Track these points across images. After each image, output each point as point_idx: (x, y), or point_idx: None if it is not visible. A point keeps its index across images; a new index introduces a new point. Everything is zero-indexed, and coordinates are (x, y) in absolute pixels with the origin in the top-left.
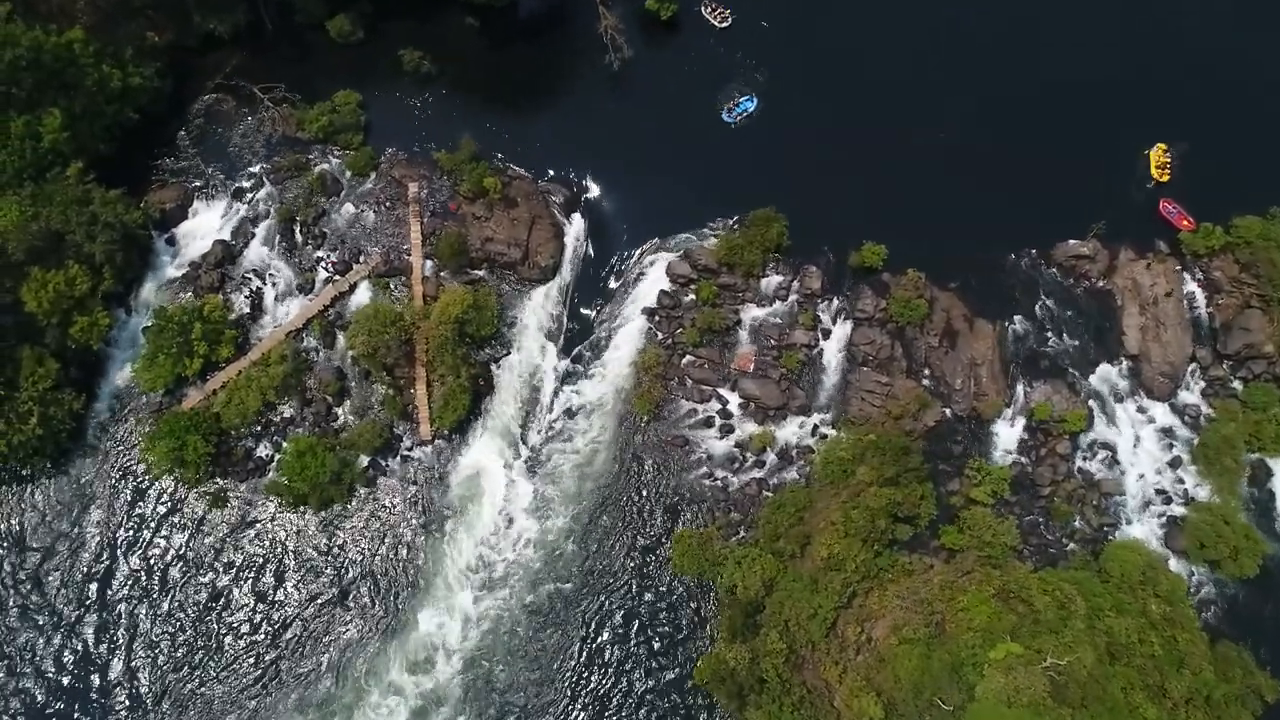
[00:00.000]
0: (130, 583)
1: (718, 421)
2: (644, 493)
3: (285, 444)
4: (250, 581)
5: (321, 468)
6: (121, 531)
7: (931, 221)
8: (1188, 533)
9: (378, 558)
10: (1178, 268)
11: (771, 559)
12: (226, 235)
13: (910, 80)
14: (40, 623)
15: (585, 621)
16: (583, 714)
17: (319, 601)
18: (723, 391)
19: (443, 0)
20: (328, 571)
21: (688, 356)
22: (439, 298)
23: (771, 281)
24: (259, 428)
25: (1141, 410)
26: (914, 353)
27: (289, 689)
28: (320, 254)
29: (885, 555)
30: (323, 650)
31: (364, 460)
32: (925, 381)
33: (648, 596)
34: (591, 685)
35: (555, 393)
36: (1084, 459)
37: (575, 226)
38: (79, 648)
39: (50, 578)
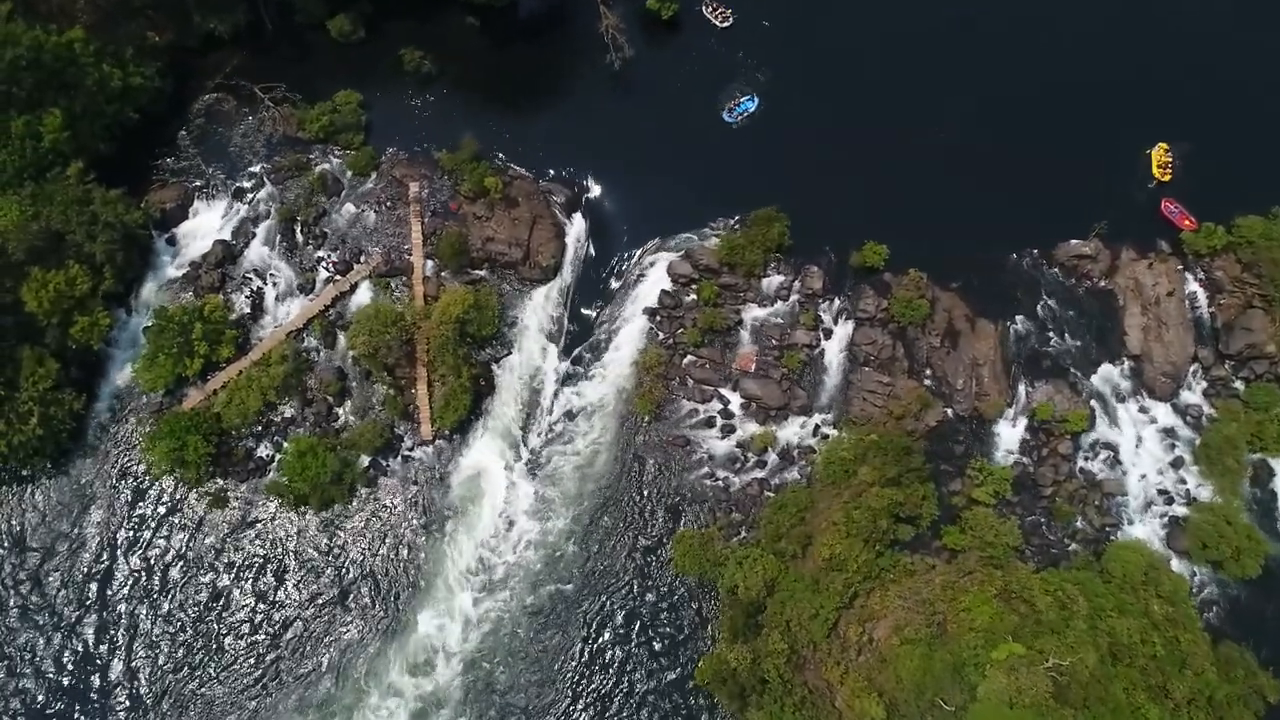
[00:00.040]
0: (131, 583)
1: (719, 422)
2: (645, 493)
3: (286, 444)
4: (250, 582)
5: (322, 468)
6: (122, 532)
7: (933, 221)
8: (1190, 533)
9: (378, 558)
10: (1180, 267)
11: (773, 559)
12: (227, 235)
13: (912, 80)
14: (40, 623)
15: (586, 622)
16: (584, 715)
17: (319, 602)
18: (724, 391)
19: (443, 0)
20: (328, 572)
21: (689, 356)
22: (440, 298)
23: (773, 281)
24: (260, 428)
25: (1143, 410)
26: (916, 353)
27: (289, 689)
28: (321, 254)
29: (887, 555)
30: (323, 651)
31: (365, 460)
32: (927, 381)
33: (649, 597)
34: (593, 686)
35: (556, 393)
36: (1086, 459)
37: (576, 226)
38: (79, 648)
39: (50, 578)
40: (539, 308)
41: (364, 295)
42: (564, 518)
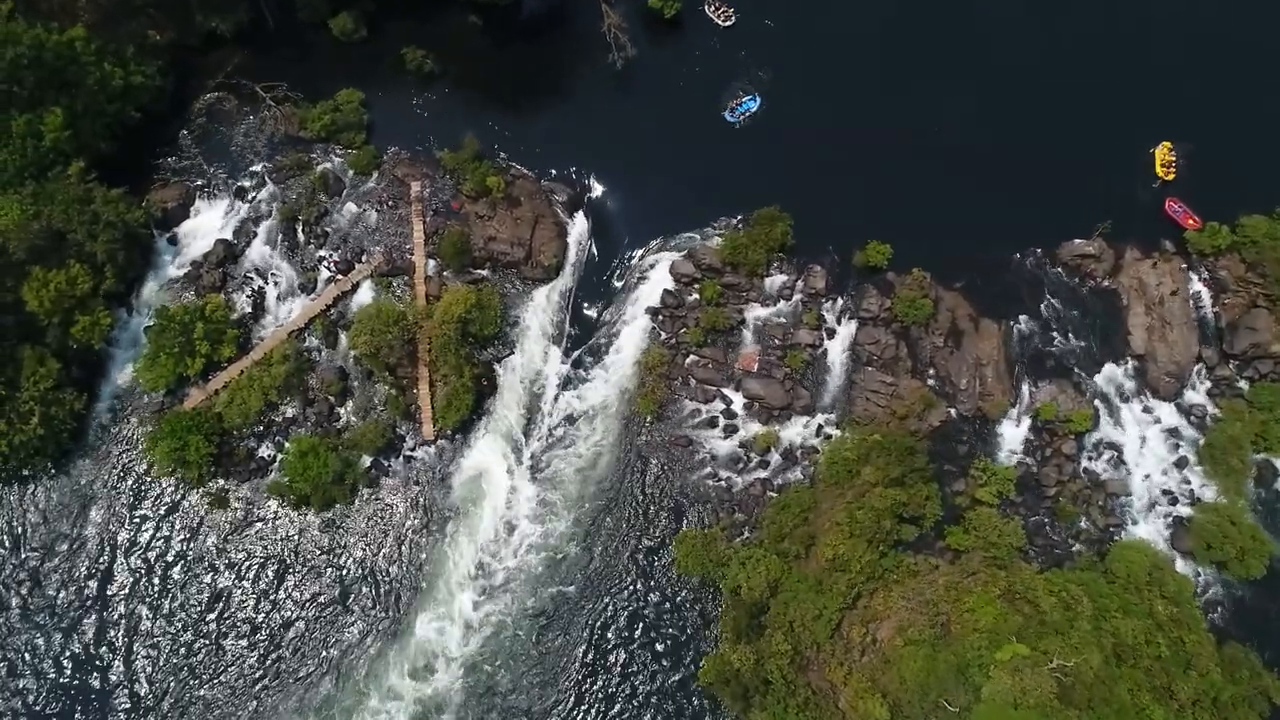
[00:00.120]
0: (131, 583)
1: (722, 422)
2: (647, 494)
3: (288, 444)
4: (251, 582)
5: (324, 468)
6: (123, 532)
7: (936, 221)
8: (1194, 533)
9: (379, 559)
10: (1184, 267)
11: (776, 560)
12: (228, 234)
13: (915, 79)
14: (41, 623)
15: (588, 624)
16: (586, 716)
17: (320, 603)
18: (727, 391)
19: None
20: (329, 573)
21: (691, 356)
22: (442, 297)
23: (775, 281)
24: (261, 428)
25: (1147, 410)
26: (919, 353)
27: (289, 691)
28: (322, 253)
29: (890, 556)
30: (323, 652)
31: (366, 461)
32: (930, 381)
33: (651, 598)
34: (595, 687)
35: (558, 393)
36: (1090, 459)
37: (578, 226)
38: (79, 648)
39: (51, 578)
40: (541, 308)
41: (366, 295)
42: (566, 519)
